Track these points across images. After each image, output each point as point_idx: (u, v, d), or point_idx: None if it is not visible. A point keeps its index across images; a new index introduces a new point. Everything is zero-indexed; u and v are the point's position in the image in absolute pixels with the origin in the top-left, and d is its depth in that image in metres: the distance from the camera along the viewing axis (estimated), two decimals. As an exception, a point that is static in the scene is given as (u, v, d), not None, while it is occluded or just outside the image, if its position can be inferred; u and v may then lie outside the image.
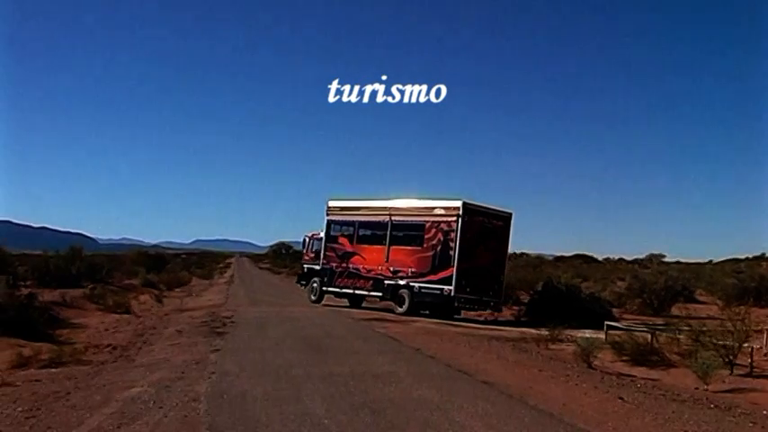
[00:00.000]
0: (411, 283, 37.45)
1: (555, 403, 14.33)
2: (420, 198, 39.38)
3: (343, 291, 41.56)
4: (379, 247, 39.85)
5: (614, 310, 38.73)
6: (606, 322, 28.15)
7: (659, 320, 29.93)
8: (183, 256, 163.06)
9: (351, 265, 41.05)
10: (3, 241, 37.28)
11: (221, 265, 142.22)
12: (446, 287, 35.79)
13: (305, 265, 45.58)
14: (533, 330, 29.02)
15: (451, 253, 35.93)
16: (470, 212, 36.33)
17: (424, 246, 37.27)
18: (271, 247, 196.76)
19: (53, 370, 18.94)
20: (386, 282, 38.71)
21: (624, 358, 22.23)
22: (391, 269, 38.61)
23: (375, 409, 12.92)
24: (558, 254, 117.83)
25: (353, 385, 15.00)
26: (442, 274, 36.11)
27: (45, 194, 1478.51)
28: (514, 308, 42.70)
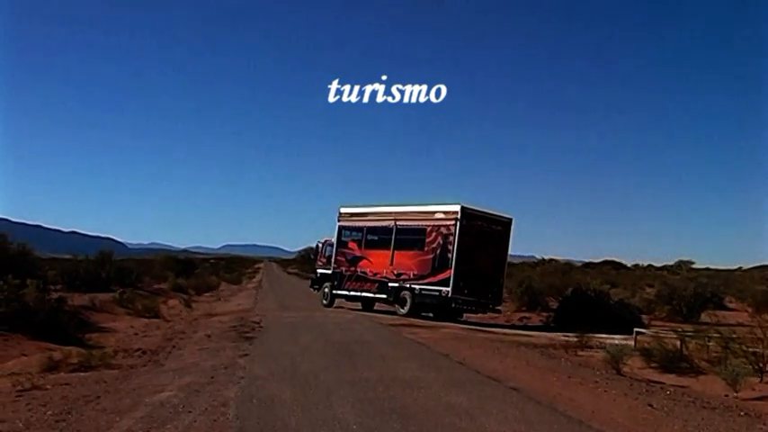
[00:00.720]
0: (413, 286, 38.50)
1: (584, 410, 14.26)
2: (422, 203, 40.31)
3: (352, 294, 42.69)
4: (384, 251, 40.92)
5: (643, 316, 38.58)
6: (635, 329, 28.06)
7: (688, 327, 29.75)
8: (212, 260, 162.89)
9: (359, 269, 42.20)
10: (33, 245, 37.30)
11: (250, 270, 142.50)
12: (444, 289, 36.84)
13: (318, 270, 46.69)
14: (562, 336, 28.97)
15: (450, 256, 36.90)
16: (469, 217, 37.27)
17: (425, 249, 38.32)
18: (299, 252, 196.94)
19: (83, 374, 18.98)
20: (390, 284, 39.73)
21: (653, 365, 22.11)
22: (395, 272, 39.69)
23: (404, 414, 12.90)
24: (587, 260, 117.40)
25: (382, 391, 14.98)
26: (440, 276, 37.13)
27: (75, 199, 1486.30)
28: (543, 314, 42.73)
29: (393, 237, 40.57)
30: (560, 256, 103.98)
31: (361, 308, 41.77)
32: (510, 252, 39.68)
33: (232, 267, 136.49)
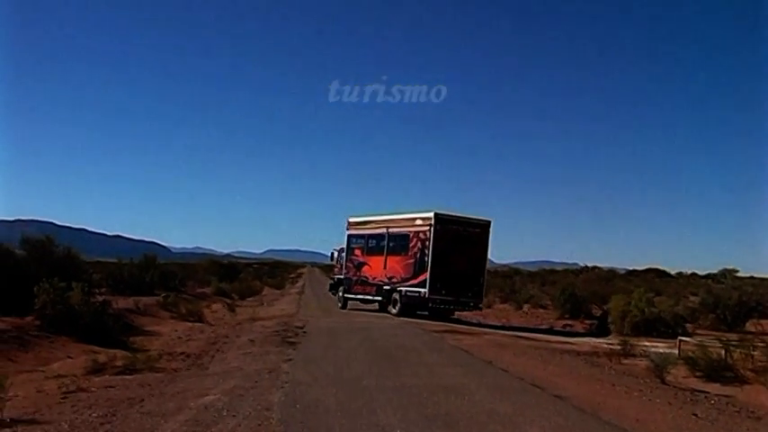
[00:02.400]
0: (400, 288, 41.20)
1: (628, 419, 14.18)
2: (408, 211, 42.78)
3: (358, 297, 45.67)
4: (380, 256, 43.83)
5: (687, 325, 38.31)
6: (679, 337, 27.90)
7: (733, 336, 29.54)
8: (255, 265, 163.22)
9: (362, 274, 45.46)
10: (78, 249, 37.50)
11: (293, 275, 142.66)
12: (422, 290, 39.41)
13: (335, 276, 51.09)
14: (605, 344, 28.85)
15: (426, 259, 39.44)
16: (443, 222, 39.65)
17: (409, 254, 41.05)
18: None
19: (127, 377, 19.07)
20: (384, 287, 42.63)
21: (697, 374, 21.92)
22: (387, 276, 42.64)
23: (448, 421, 12.88)
24: (631, 268, 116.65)
25: (426, 397, 14.94)
26: (420, 278, 39.75)
27: (120, 203, 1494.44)
28: (586, 321, 42.61)
29: (386, 243, 43.46)
30: (603, 263, 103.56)
31: (377, 309, 43.26)
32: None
33: (275, 272, 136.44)
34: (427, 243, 39.44)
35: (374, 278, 43.99)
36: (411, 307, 40.40)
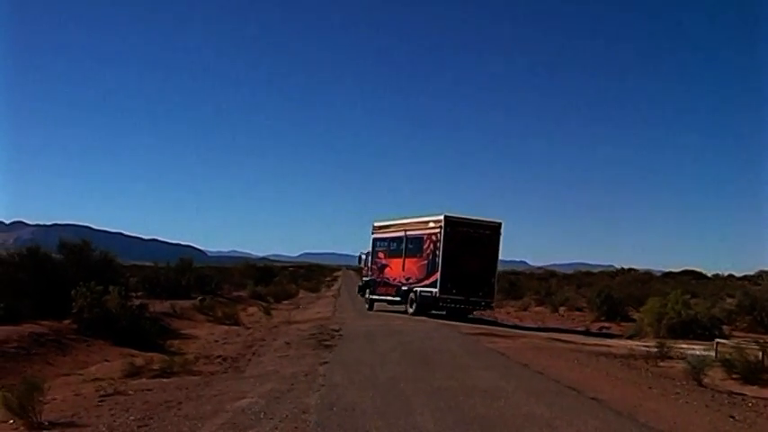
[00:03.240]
0: (415, 288, 42.36)
1: (665, 421, 14.07)
2: (423, 215, 44.09)
3: (381, 298, 46.83)
4: (399, 258, 45.12)
5: (724, 327, 38.04)
6: (716, 339, 27.72)
7: (771, 338, 29.31)
8: (291, 268, 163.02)
9: (385, 275, 46.94)
10: (114, 253, 37.67)
11: (328, 278, 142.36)
12: (434, 290, 40.52)
13: (363, 278, 53.16)
14: (642, 346, 28.70)
15: (437, 260, 40.54)
16: (453, 224, 40.70)
17: (423, 255, 42.29)
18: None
19: (164, 380, 19.16)
20: (402, 288, 43.86)
21: (735, 376, 21.71)
22: (405, 277, 43.94)
23: (484, 424, 12.83)
24: (667, 270, 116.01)
25: (462, 400, 14.89)
26: (432, 279, 40.89)
27: (156, 207, 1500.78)
28: (622, 323, 42.41)
29: (404, 246, 44.76)
30: (639, 265, 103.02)
31: (400, 311, 43.71)
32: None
33: (310, 275, 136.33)
34: (438, 245, 40.59)
35: (394, 279, 45.39)
36: (425, 306, 41.39)
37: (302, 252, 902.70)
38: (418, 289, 41.95)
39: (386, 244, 47.74)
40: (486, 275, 40.89)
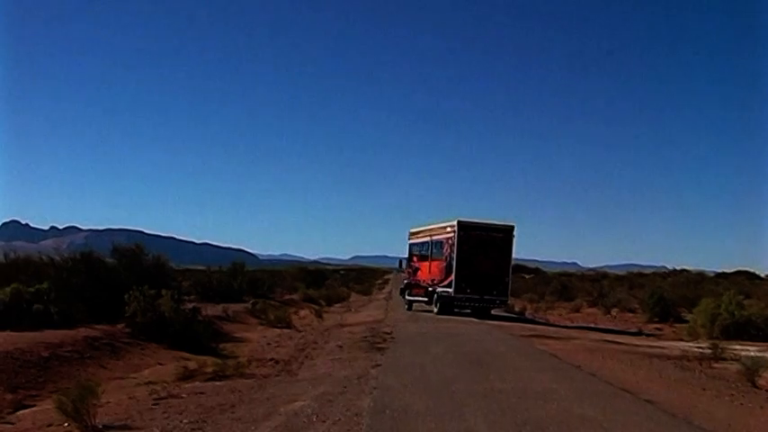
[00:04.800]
0: (438, 289, 44.60)
1: (720, 423, 13.95)
2: (445, 220, 45.79)
3: (415, 299, 49.20)
4: (426, 262, 47.85)
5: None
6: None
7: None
8: (342, 271, 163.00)
9: (417, 278, 49.72)
10: (167, 257, 37.89)
11: (379, 281, 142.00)
12: (450, 290, 42.86)
13: (404, 281, 54.35)
14: (695, 348, 28.48)
15: (453, 263, 42.76)
16: (466, 228, 43.08)
17: (443, 258, 44.65)
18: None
19: (217, 383, 19.18)
20: (429, 289, 46.25)
21: (790, 378, 21.57)
22: (431, 279, 46.26)
23: (537, 426, 12.74)
24: (719, 270, 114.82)
25: (515, 402, 14.83)
26: (449, 280, 43.06)
27: (208, 212, 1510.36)
28: (675, 325, 42.17)
29: (430, 250, 47.44)
30: (692, 266, 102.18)
31: (435, 312, 44.77)
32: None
33: (361, 278, 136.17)
34: (453, 248, 42.77)
35: (423, 281, 47.94)
36: (445, 306, 43.64)
37: (353, 255, 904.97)
38: (439, 289, 44.30)
39: (417, 248, 50.52)
40: (499, 275, 42.97)
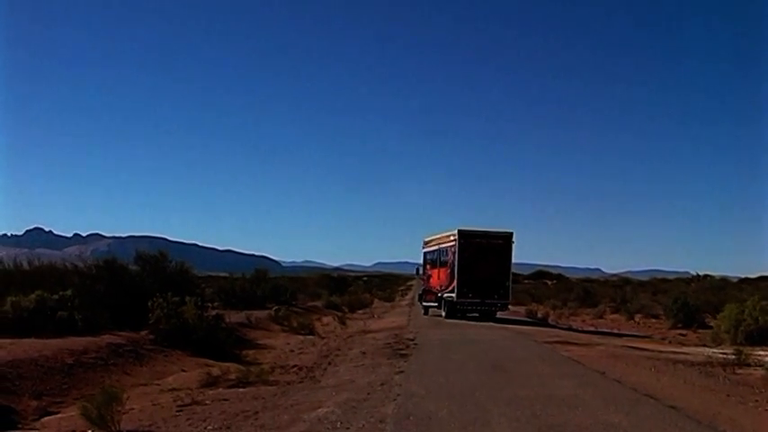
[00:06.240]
0: (444, 294, 47.12)
1: (744, 429, 13.84)
2: (450, 229, 47.37)
3: (429, 304, 51.39)
4: (436, 269, 50.22)
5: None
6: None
7: None
8: (365, 278, 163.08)
9: (430, 284, 52.13)
10: (190, 264, 37.91)
11: (402, 288, 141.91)
12: (453, 295, 45.09)
13: (421, 288, 57.81)
14: (720, 354, 28.36)
15: (455, 269, 44.82)
16: (466, 236, 45.16)
17: (447, 265, 46.81)
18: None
19: (241, 389, 19.22)
20: (438, 294, 48.91)
21: (816, 384, 21.44)
22: (439, 285, 48.57)
23: (562, 432, 12.75)
24: (743, 275, 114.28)
25: (539, 408, 14.76)
26: (452, 285, 45.22)
27: (231, 219, 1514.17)
28: (699, 331, 42.03)
29: (438, 258, 49.72)
30: (715, 271, 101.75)
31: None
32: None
33: (384, 285, 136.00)
34: (455, 255, 44.90)
35: (434, 287, 50.44)
36: (451, 310, 45.86)
37: (376, 262, 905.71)
38: (446, 295, 46.67)
39: (429, 257, 53.06)
40: (500, 279, 44.91)
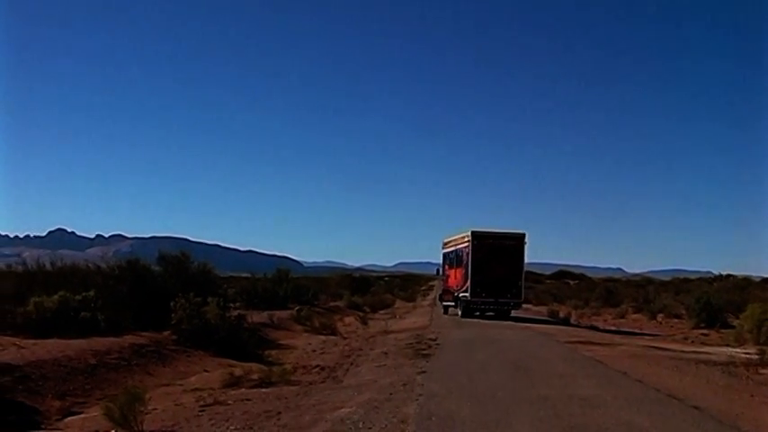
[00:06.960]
0: (460, 294, 48.04)
1: (768, 430, 13.88)
2: (462, 231, 48.79)
3: (447, 304, 52.60)
4: (453, 269, 50.91)
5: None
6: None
7: None
8: (386, 278, 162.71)
9: (448, 284, 52.99)
10: (212, 264, 37.96)
11: (424, 288, 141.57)
12: (467, 294, 46.15)
13: (441, 288, 58.39)
14: (743, 354, 28.25)
15: (469, 269, 45.76)
16: (479, 237, 46.06)
17: (462, 266, 47.60)
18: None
19: (263, 390, 19.25)
20: (454, 294, 49.78)
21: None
22: (456, 285, 49.46)
23: (584, 433, 12.74)
24: (766, 275, 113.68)
25: (561, 409, 14.73)
26: (466, 285, 46.16)
27: (253, 220, 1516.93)
28: (722, 330, 41.86)
29: (455, 258, 50.34)
30: (738, 271, 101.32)
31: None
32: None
33: (406, 285, 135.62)
34: (469, 256, 45.85)
35: (451, 287, 51.29)
36: (466, 309, 46.77)
37: (398, 262, 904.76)
38: (461, 295, 47.60)
39: (447, 257, 53.60)
40: (513, 279, 45.69)
